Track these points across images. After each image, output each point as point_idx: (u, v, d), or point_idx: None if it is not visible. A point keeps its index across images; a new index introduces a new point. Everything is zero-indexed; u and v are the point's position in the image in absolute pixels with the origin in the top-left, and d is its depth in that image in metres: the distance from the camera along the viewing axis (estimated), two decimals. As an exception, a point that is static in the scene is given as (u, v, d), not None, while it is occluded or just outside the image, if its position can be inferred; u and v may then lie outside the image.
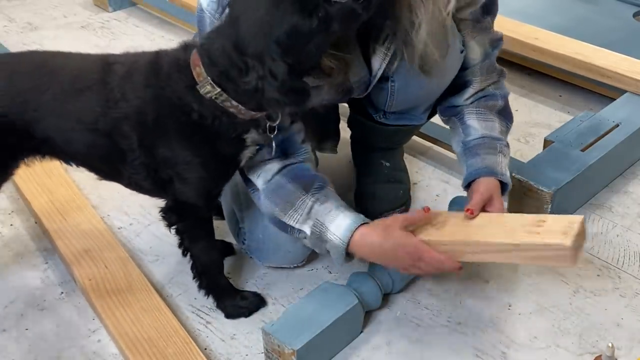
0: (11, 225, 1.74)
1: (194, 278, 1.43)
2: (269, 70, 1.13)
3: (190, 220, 1.37)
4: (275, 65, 1.12)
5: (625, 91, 1.94)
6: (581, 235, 1.20)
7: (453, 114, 1.51)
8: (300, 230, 1.32)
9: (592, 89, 2.15)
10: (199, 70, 1.19)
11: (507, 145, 1.47)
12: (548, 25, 2.22)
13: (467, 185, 1.42)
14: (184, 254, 1.41)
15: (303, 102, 1.17)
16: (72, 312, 1.49)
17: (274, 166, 1.36)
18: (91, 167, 1.39)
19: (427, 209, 1.29)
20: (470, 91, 1.49)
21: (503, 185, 1.41)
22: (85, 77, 1.29)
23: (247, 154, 1.31)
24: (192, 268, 1.42)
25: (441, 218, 1.32)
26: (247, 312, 1.46)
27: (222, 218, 1.59)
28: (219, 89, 1.18)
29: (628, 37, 2.30)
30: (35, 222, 1.72)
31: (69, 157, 1.37)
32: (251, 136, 1.27)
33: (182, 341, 1.35)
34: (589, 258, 1.57)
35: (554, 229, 1.19)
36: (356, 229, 1.28)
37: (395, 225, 1.27)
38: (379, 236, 1.27)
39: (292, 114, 1.32)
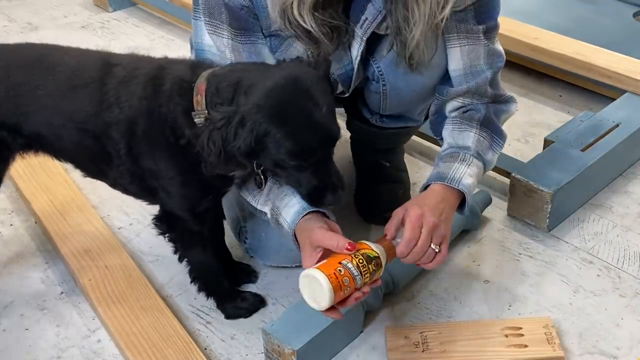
0: (11, 225, 1.73)
1: (191, 282, 1.43)
2: (234, 132, 1.09)
3: (179, 231, 1.36)
4: (243, 136, 1.09)
5: (625, 91, 1.94)
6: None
7: (440, 132, 1.44)
8: (262, 212, 1.33)
9: (592, 89, 2.15)
10: (199, 99, 1.16)
11: (478, 155, 1.35)
12: (548, 25, 2.22)
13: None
14: (180, 260, 1.41)
15: (217, 170, 1.15)
16: (72, 312, 1.49)
17: None
18: (78, 165, 1.39)
19: (350, 247, 1.16)
20: (445, 103, 1.41)
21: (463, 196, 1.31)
22: (83, 74, 1.28)
23: (234, 186, 1.31)
24: (189, 273, 1.42)
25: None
26: (247, 313, 1.45)
27: (224, 217, 1.59)
28: None
29: (628, 37, 2.30)
30: (35, 222, 1.72)
31: (57, 152, 1.37)
32: (238, 173, 1.25)
33: (182, 341, 1.35)
34: (588, 258, 1.57)
35: (537, 338, 1.33)
36: (304, 216, 1.23)
37: (315, 242, 1.20)
38: (307, 236, 1.22)
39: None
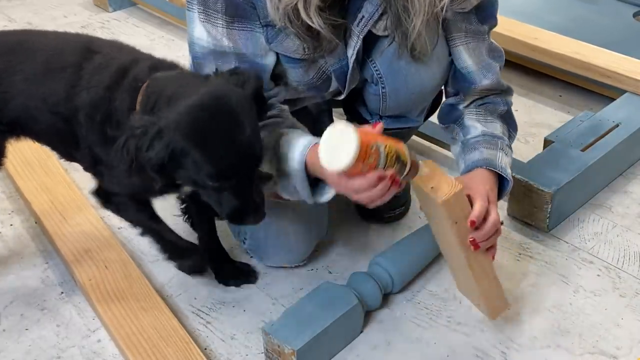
0: (11, 225, 1.74)
1: (155, 247, 1.42)
2: (149, 144, 1.06)
3: (115, 204, 1.35)
4: (157, 149, 1.06)
5: (625, 91, 1.94)
6: (461, 204, 1.22)
7: (452, 120, 1.46)
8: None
9: (592, 89, 2.15)
10: (140, 100, 1.16)
11: (509, 146, 1.41)
12: (547, 25, 2.22)
13: None
14: (132, 226, 1.40)
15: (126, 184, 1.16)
16: (72, 312, 1.49)
17: None
18: (53, 148, 1.40)
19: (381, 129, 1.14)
20: (468, 99, 1.44)
21: (502, 182, 1.36)
22: (62, 58, 1.28)
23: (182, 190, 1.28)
24: (142, 235, 1.40)
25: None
26: (239, 282, 1.51)
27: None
28: None
29: (628, 37, 2.30)
30: (35, 222, 1.72)
31: (34, 135, 1.38)
32: (157, 185, 1.16)
33: (182, 341, 1.35)
34: (589, 258, 1.57)
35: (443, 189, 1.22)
36: (310, 148, 1.21)
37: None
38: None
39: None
